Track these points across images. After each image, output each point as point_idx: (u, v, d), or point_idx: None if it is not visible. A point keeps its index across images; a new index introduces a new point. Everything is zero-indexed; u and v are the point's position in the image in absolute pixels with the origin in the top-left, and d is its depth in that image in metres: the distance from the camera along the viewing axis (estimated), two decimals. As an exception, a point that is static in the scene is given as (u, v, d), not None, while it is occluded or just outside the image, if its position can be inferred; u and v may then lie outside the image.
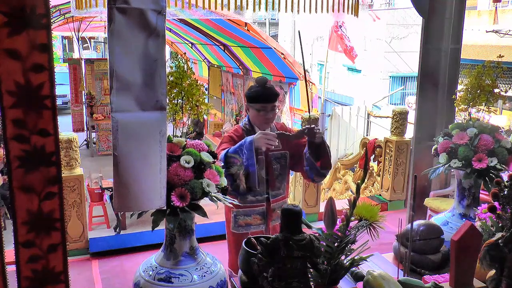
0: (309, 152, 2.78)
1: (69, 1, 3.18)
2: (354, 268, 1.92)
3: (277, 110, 2.90)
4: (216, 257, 2.46)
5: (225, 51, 9.75)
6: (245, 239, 2.05)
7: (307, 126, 2.72)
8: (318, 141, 2.73)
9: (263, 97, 2.77)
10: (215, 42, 9.69)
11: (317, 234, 1.69)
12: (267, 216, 2.89)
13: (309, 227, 1.90)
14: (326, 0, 2.98)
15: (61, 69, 15.52)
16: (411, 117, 4.93)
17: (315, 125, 2.79)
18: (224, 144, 2.75)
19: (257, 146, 2.58)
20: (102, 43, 21.86)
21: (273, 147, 2.68)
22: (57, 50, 21.89)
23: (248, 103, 2.83)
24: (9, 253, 1.45)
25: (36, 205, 1.45)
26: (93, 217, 6.29)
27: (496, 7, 9.51)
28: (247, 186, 2.61)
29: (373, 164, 6.15)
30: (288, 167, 2.95)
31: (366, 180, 4.95)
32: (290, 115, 8.38)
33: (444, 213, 3.08)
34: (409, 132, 5.03)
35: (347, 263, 1.70)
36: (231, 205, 2.16)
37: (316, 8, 2.98)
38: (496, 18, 9.06)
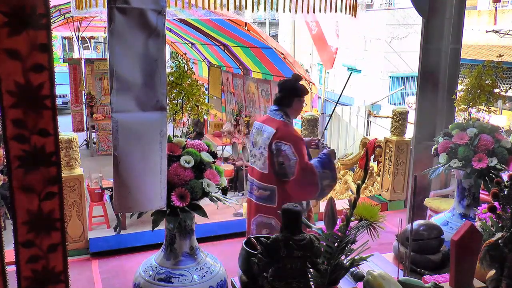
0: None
1: (69, 1, 3.19)
2: (354, 268, 1.92)
3: None
4: (216, 257, 2.46)
5: (225, 51, 9.74)
6: (245, 239, 2.05)
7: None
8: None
9: (306, 89, 2.96)
10: (215, 42, 9.68)
11: (317, 234, 1.70)
12: None
13: (309, 227, 1.90)
14: (325, 0, 2.98)
15: (61, 69, 15.47)
16: (411, 117, 4.93)
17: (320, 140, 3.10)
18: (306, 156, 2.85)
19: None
20: (102, 43, 21.83)
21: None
22: (57, 50, 21.84)
23: (296, 97, 2.86)
24: (9, 253, 1.45)
25: (36, 205, 1.45)
26: (93, 217, 6.28)
27: (495, 7, 9.48)
28: None
29: (373, 164, 6.13)
30: None
31: (366, 180, 4.95)
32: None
33: (444, 213, 3.08)
34: (409, 132, 5.03)
35: (347, 263, 1.70)
36: (231, 205, 2.16)
37: (314, 8, 2.98)
38: (495, 19, 9.04)
